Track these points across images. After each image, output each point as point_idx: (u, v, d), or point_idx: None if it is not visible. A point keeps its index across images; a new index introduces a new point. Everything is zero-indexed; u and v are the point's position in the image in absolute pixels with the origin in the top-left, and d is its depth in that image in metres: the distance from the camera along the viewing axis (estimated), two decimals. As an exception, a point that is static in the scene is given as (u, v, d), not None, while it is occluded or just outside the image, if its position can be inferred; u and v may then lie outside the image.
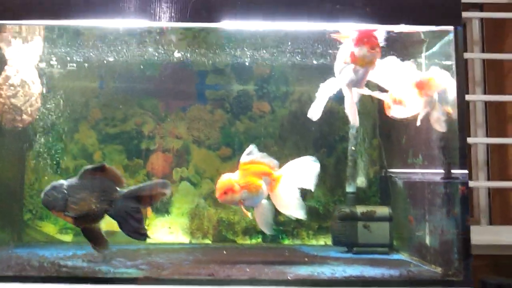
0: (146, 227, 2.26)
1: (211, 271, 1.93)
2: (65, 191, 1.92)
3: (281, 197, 2.26)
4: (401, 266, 2.16)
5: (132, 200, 2.02)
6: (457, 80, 1.94)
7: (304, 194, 2.26)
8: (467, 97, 2.77)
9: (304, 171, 2.27)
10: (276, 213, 2.30)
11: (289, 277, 1.88)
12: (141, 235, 2.04)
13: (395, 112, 2.18)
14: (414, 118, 2.16)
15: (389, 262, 2.29)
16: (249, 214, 2.27)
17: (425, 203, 2.31)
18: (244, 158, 2.26)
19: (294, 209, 2.25)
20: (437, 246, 2.16)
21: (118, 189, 2.02)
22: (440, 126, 2.09)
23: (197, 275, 1.89)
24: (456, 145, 1.98)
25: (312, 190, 2.26)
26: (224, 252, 2.68)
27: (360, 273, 1.93)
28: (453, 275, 1.87)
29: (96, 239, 2.04)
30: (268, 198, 2.29)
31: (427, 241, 2.27)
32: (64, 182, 1.95)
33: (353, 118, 2.17)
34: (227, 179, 2.22)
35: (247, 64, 3.00)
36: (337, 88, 2.16)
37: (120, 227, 2.05)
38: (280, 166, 2.31)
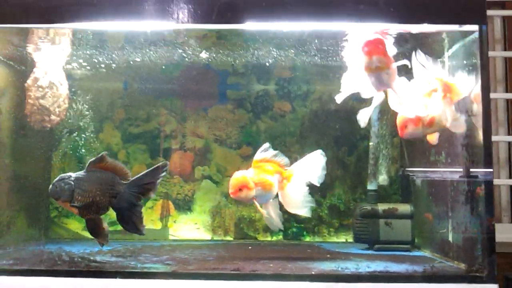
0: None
1: (237, 266, 1.97)
2: (72, 183, 1.96)
3: (290, 195, 2.28)
4: (424, 262, 2.17)
5: (135, 193, 2.02)
6: (482, 78, 1.94)
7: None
8: (492, 96, 2.76)
9: (313, 166, 2.29)
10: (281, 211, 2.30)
11: (313, 272, 1.91)
12: (138, 230, 2.02)
13: (411, 130, 2.10)
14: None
15: (412, 259, 2.31)
16: (265, 212, 2.28)
17: (448, 201, 2.31)
18: (258, 155, 2.29)
19: (302, 207, 2.26)
20: (460, 243, 2.17)
21: (121, 181, 2.03)
22: (459, 128, 2.08)
23: (223, 269, 1.93)
24: (480, 143, 1.98)
25: (318, 184, 2.27)
26: (250, 247, 2.73)
27: (384, 268, 1.95)
28: (477, 271, 1.87)
29: (97, 231, 2.05)
30: (275, 196, 2.30)
31: (450, 238, 2.28)
32: (72, 174, 2.00)
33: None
34: (242, 175, 2.23)
35: (269, 64, 3.03)
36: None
37: (119, 219, 2.05)
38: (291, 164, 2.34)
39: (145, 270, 1.95)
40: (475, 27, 1.99)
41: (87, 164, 2.03)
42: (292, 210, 2.29)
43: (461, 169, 2.15)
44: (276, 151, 2.32)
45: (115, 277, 1.86)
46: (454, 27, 2.10)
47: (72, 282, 1.82)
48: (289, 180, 2.29)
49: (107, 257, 2.24)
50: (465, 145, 2.16)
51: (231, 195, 2.23)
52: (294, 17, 2.00)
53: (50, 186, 1.99)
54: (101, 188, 2.00)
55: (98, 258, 2.16)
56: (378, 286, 1.78)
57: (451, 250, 2.27)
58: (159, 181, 2.05)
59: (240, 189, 2.19)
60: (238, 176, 2.23)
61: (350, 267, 2.00)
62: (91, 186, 1.98)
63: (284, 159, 2.31)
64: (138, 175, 2.05)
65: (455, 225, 2.24)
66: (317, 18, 2.03)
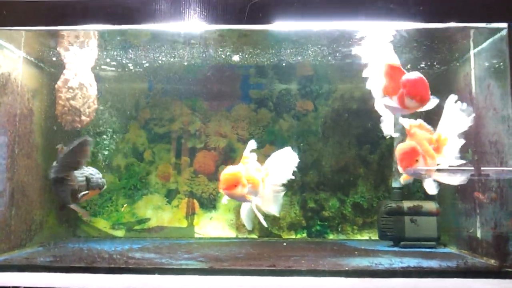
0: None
1: (271, 263, 2.00)
2: None
3: (266, 193, 2.21)
4: (454, 258, 2.19)
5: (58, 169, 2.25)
6: (510, 77, 1.96)
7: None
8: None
9: (285, 162, 2.24)
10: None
11: (347, 268, 1.94)
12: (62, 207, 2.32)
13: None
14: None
15: (439, 255, 2.33)
16: (259, 215, 2.18)
17: (475, 198, 2.34)
18: (247, 152, 2.21)
19: (274, 206, 2.20)
20: (489, 239, 2.19)
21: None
22: None
23: (258, 266, 1.97)
24: (509, 141, 2.01)
25: (291, 178, 2.25)
26: (284, 244, 2.78)
27: (417, 264, 1.98)
28: (510, 267, 1.90)
29: None
30: None
31: (478, 234, 2.30)
32: None
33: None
34: (236, 171, 2.11)
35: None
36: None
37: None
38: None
39: (183, 266, 1.99)
40: (503, 25, 2.01)
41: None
42: (266, 208, 2.20)
43: (490, 167, 2.18)
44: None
45: (154, 273, 1.91)
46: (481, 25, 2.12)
47: (111, 278, 1.86)
48: (267, 177, 2.24)
49: (143, 254, 2.29)
50: (494, 142, 2.18)
51: (224, 192, 2.09)
52: (323, 16, 2.04)
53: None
54: None
55: (137, 255, 2.21)
56: (412, 281, 1.81)
57: (479, 246, 2.29)
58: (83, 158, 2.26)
59: (235, 185, 2.07)
60: (233, 172, 2.10)
61: (383, 262, 2.03)
62: None
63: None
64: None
65: (484, 221, 2.26)
66: (347, 17, 2.06)
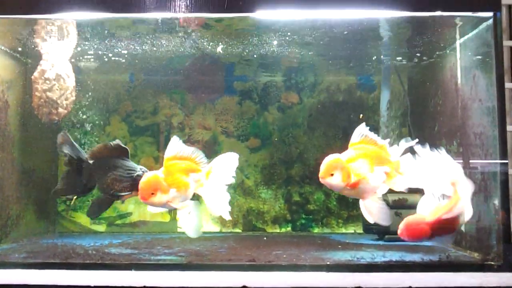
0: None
1: (251, 257, 1.96)
2: None
3: (210, 195, 2.04)
4: (437, 252, 2.17)
5: None
6: (496, 67, 1.93)
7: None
8: (507, 85, 2.74)
9: (229, 165, 2.06)
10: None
11: (328, 263, 1.90)
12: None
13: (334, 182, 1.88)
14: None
15: (423, 249, 2.30)
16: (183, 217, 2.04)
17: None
18: (168, 152, 2.00)
19: (222, 208, 2.03)
20: (473, 233, 2.17)
21: None
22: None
23: (238, 261, 1.92)
24: (493, 133, 1.98)
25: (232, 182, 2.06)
26: (265, 238, 2.73)
27: (400, 258, 1.95)
28: (493, 260, 1.88)
29: None
30: (194, 197, 2.08)
31: (462, 227, 2.27)
32: None
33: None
34: (153, 176, 1.95)
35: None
36: None
37: None
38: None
39: (160, 262, 1.94)
40: (489, 14, 1.97)
41: None
42: (212, 211, 2.09)
43: (476, 159, 2.15)
44: (193, 148, 2.06)
45: (130, 269, 1.85)
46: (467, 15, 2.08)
47: (86, 274, 1.81)
48: (207, 178, 2.05)
49: (120, 249, 2.24)
50: (479, 134, 2.15)
51: (142, 200, 1.96)
52: (308, 4, 1.99)
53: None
54: None
55: (113, 251, 2.16)
56: (394, 275, 1.78)
57: (463, 239, 2.27)
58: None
59: (152, 193, 1.92)
60: (149, 178, 1.95)
61: (365, 257, 1.99)
62: None
63: (200, 156, 2.07)
64: None
65: (468, 214, 2.23)
66: (332, 5, 2.01)
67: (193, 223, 2.05)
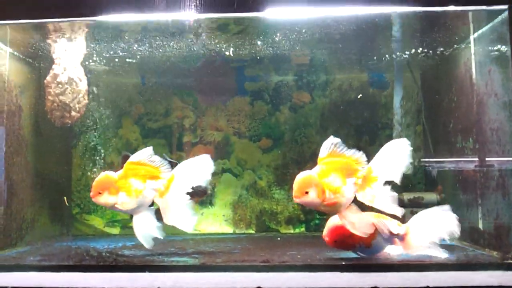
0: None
1: (266, 258, 1.94)
2: None
3: (169, 205, 1.97)
4: (453, 250, 2.12)
5: None
6: (512, 62, 1.89)
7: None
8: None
9: (198, 170, 2.00)
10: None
11: (343, 263, 1.87)
12: None
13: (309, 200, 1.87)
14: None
15: (442, 247, 2.26)
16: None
17: (477, 188, 2.26)
18: (134, 157, 2.00)
19: (182, 220, 1.96)
20: (492, 230, 2.12)
21: None
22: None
23: (252, 261, 1.90)
24: (511, 128, 1.94)
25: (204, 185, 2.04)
26: (278, 239, 2.71)
27: (416, 257, 1.91)
28: (513, 258, 1.83)
29: None
30: (153, 204, 2.04)
31: (480, 225, 2.23)
32: None
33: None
34: (104, 176, 1.96)
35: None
36: None
37: None
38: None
39: (174, 263, 1.93)
40: (504, 7, 1.93)
41: None
42: (170, 222, 1.98)
43: (490, 154, 2.11)
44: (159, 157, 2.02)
45: (144, 271, 1.84)
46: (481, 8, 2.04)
47: (101, 277, 1.80)
48: (168, 188, 1.98)
49: (133, 251, 2.23)
50: (495, 130, 2.11)
51: (91, 198, 1.97)
52: (316, 2, 1.97)
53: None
54: None
55: (126, 253, 2.15)
56: (411, 275, 1.74)
57: (481, 237, 2.22)
58: None
59: (99, 193, 1.93)
60: (101, 177, 1.96)
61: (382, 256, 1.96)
62: None
63: (164, 164, 2.01)
64: None
65: (486, 212, 2.19)
66: (345, 2, 1.99)
67: (146, 232, 1.99)
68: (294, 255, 2.07)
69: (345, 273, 1.76)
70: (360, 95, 3.01)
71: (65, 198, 2.40)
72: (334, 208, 1.89)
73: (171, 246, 2.43)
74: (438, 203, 2.55)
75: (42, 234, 2.71)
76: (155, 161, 2.00)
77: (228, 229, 3.07)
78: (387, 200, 1.89)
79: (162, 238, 1.98)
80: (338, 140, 1.91)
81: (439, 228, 1.86)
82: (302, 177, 1.87)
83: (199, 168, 2.00)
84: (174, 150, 3.14)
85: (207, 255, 2.12)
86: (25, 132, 2.62)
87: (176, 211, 1.96)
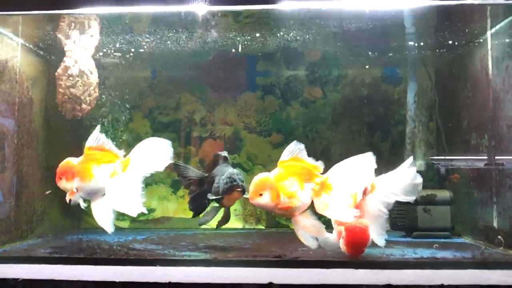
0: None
1: (277, 254, 1.92)
2: None
3: (118, 189, 1.91)
4: (468, 249, 2.10)
5: None
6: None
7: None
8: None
9: (156, 155, 1.92)
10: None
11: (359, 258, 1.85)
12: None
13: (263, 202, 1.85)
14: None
15: (454, 246, 2.23)
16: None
17: (492, 186, 2.23)
18: (89, 142, 1.98)
19: (129, 205, 1.87)
20: (508, 229, 2.09)
21: None
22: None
23: (264, 257, 1.89)
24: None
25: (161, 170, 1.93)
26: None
27: (431, 255, 1.88)
28: (529, 257, 1.80)
29: None
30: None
31: (495, 223, 2.19)
32: None
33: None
34: (65, 161, 1.99)
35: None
36: None
37: None
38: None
39: (185, 257, 1.91)
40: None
41: None
42: (117, 207, 1.91)
43: (506, 151, 2.07)
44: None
45: (155, 265, 1.83)
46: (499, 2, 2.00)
47: (112, 270, 1.79)
48: (124, 170, 1.92)
49: (143, 245, 2.22)
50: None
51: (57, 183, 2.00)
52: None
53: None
54: None
55: (136, 246, 2.14)
56: (425, 272, 1.71)
57: (496, 236, 2.19)
58: None
59: (60, 178, 1.97)
60: (62, 163, 2.00)
61: (395, 253, 1.94)
62: None
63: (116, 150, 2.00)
64: None
65: (501, 210, 2.15)
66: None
67: (105, 216, 1.94)
68: (306, 251, 2.04)
69: (358, 270, 1.74)
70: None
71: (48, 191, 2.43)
72: (288, 212, 1.87)
73: (181, 240, 2.42)
74: (452, 201, 2.53)
75: (53, 227, 2.71)
76: (105, 142, 1.99)
77: (238, 224, 3.06)
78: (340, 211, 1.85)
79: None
80: (302, 145, 1.90)
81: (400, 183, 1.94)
82: (258, 179, 1.87)
83: (157, 152, 1.93)
84: (183, 144, 3.13)
85: (218, 250, 2.11)
86: (36, 124, 2.61)
87: (124, 195, 1.89)
